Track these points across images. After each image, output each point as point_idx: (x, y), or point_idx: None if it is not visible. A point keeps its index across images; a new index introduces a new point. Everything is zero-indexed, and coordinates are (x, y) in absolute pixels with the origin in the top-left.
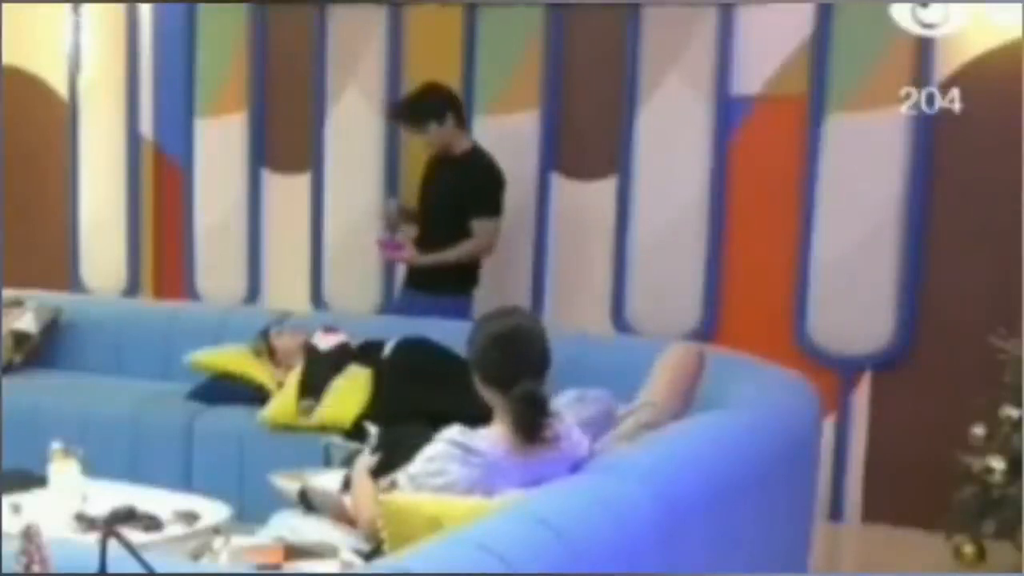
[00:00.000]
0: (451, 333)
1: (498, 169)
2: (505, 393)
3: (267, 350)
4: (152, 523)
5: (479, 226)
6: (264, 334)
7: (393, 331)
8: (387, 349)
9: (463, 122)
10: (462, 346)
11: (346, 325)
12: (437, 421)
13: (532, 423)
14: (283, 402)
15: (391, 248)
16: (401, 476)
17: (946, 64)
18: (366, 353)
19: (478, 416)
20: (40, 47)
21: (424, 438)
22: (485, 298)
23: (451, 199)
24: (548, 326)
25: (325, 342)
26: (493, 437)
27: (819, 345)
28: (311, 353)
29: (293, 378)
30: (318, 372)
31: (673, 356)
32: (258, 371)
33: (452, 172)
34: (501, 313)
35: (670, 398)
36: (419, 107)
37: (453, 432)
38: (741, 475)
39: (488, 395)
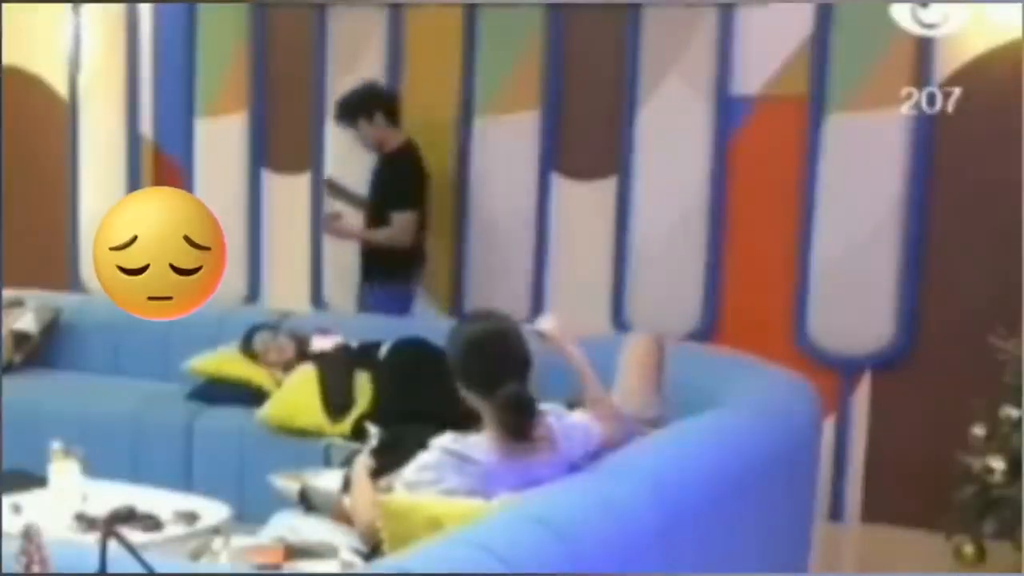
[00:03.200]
0: (446, 332)
1: (421, 164)
2: (488, 396)
3: (253, 355)
4: (152, 523)
5: (394, 218)
6: (247, 341)
7: (392, 331)
8: (383, 350)
9: (396, 120)
10: None
11: (345, 325)
12: (436, 420)
13: (519, 424)
14: (282, 403)
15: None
16: (398, 484)
17: (946, 64)
18: (363, 355)
19: (476, 414)
20: (40, 47)
21: (423, 438)
22: (485, 299)
23: (379, 193)
24: None
25: (323, 344)
26: (486, 444)
27: (819, 345)
28: (319, 358)
29: (294, 381)
30: (334, 380)
31: (636, 350)
32: (255, 373)
33: (382, 167)
34: (474, 318)
35: (643, 389)
36: (348, 105)
37: (446, 440)
38: (741, 475)
39: (473, 400)
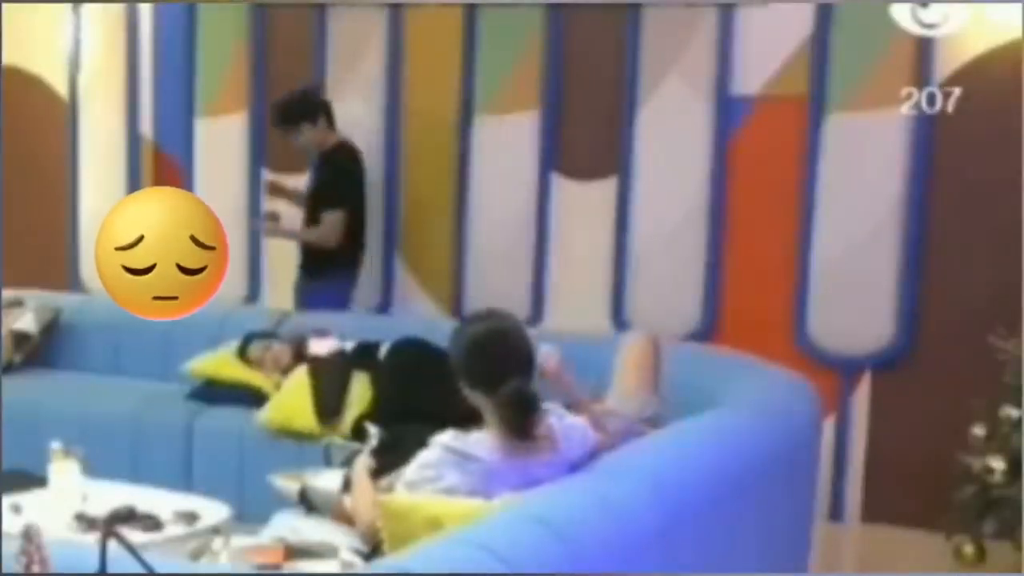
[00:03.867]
0: (445, 333)
1: (351, 165)
2: (491, 394)
3: (250, 362)
4: (152, 523)
5: (324, 217)
6: (243, 349)
7: (390, 331)
8: (383, 351)
9: (332, 122)
10: None
11: (344, 325)
12: (436, 420)
13: (521, 421)
14: (281, 405)
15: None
16: (398, 484)
17: (946, 64)
18: (363, 356)
19: (475, 414)
20: (40, 47)
21: (423, 437)
22: (485, 299)
23: (314, 191)
24: (548, 326)
25: (320, 348)
26: (488, 442)
27: (819, 345)
28: (313, 363)
29: (293, 383)
30: (328, 385)
31: (632, 349)
32: (253, 376)
33: (318, 167)
34: (477, 317)
35: (640, 388)
36: (293, 110)
37: (447, 438)
38: (741, 475)
39: (476, 399)
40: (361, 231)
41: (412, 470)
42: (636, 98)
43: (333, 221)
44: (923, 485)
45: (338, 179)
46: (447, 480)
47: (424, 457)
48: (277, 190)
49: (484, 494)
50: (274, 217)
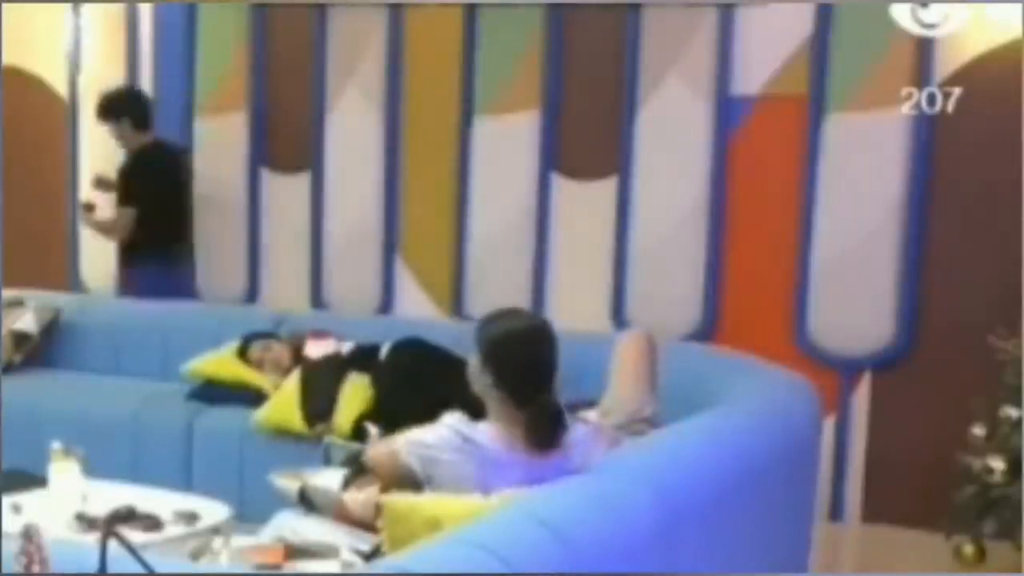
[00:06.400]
0: (445, 333)
1: (150, 166)
2: (513, 395)
3: (250, 363)
4: (152, 523)
5: (117, 212)
6: (243, 349)
7: (391, 332)
8: (383, 352)
9: (141, 124)
10: (455, 345)
11: (344, 326)
12: (436, 419)
13: (549, 435)
14: (279, 406)
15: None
16: (400, 438)
17: (946, 64)
18: (362, 358)
19: (477, 414)
20: (40, 47)
21: None
22: (485, 299)
23: (118, 188)
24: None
25: (316, 350)
26: (492, 433)
27: (819, 345)
28: (306, 365)
29: (291, 384)
30: (317, 388)
31: (629, 348)
32: (253, 376)
33: (126, 164)
34: (511, 314)
35: (636, 387)
36: (101, 107)
37: (455, 419)
38: (741, 475)
39: (485, 389)
40: (164, 228)
41: (415, 433)
42: (636, 98)
43: (121, 216)
44: (923, 485)
45: (133, 178)
46: (446, 456)
47: (431, 431)
48: (101, 183)
49: (480, 482)
50: (89, 208)
